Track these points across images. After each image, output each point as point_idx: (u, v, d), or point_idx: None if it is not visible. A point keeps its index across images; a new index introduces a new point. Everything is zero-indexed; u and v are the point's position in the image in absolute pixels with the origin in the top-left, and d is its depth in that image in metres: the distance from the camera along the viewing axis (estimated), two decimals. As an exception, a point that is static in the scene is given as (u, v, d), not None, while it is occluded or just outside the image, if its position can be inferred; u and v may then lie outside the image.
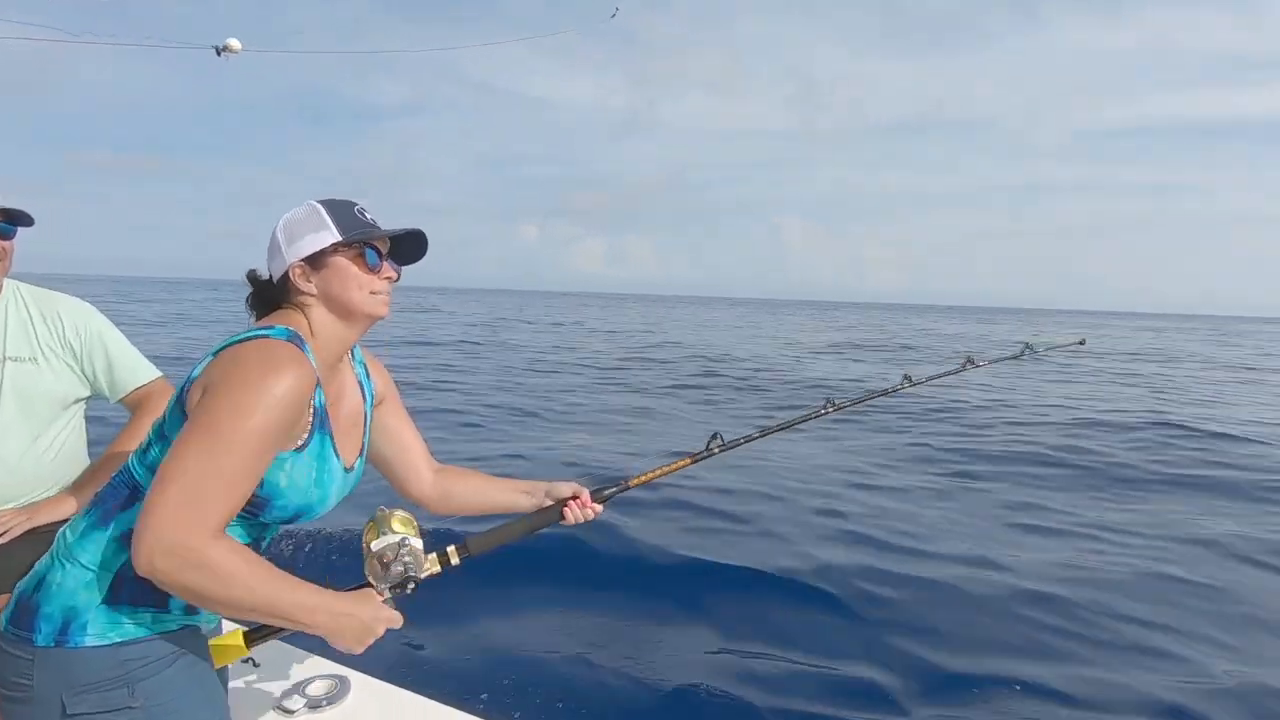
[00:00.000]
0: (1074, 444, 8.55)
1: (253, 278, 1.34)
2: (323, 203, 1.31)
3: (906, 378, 2.57)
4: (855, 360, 21.10)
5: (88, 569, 1.17)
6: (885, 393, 2.49)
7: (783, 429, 2.04)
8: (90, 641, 1.14)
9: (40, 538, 1.64)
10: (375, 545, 1.33)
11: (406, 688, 1.59)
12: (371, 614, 1.21)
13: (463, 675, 3.19)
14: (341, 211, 1.31)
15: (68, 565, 1.18)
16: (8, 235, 1.64)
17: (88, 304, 1.87)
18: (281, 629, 1.38)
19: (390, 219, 1.38)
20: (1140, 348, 30.53)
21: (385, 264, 1.34)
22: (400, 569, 1.31)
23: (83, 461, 1.86)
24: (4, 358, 1.68)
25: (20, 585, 1.21)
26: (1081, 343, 3.83)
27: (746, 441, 1.92)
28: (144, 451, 1.22)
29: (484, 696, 3.03)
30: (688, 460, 1.80)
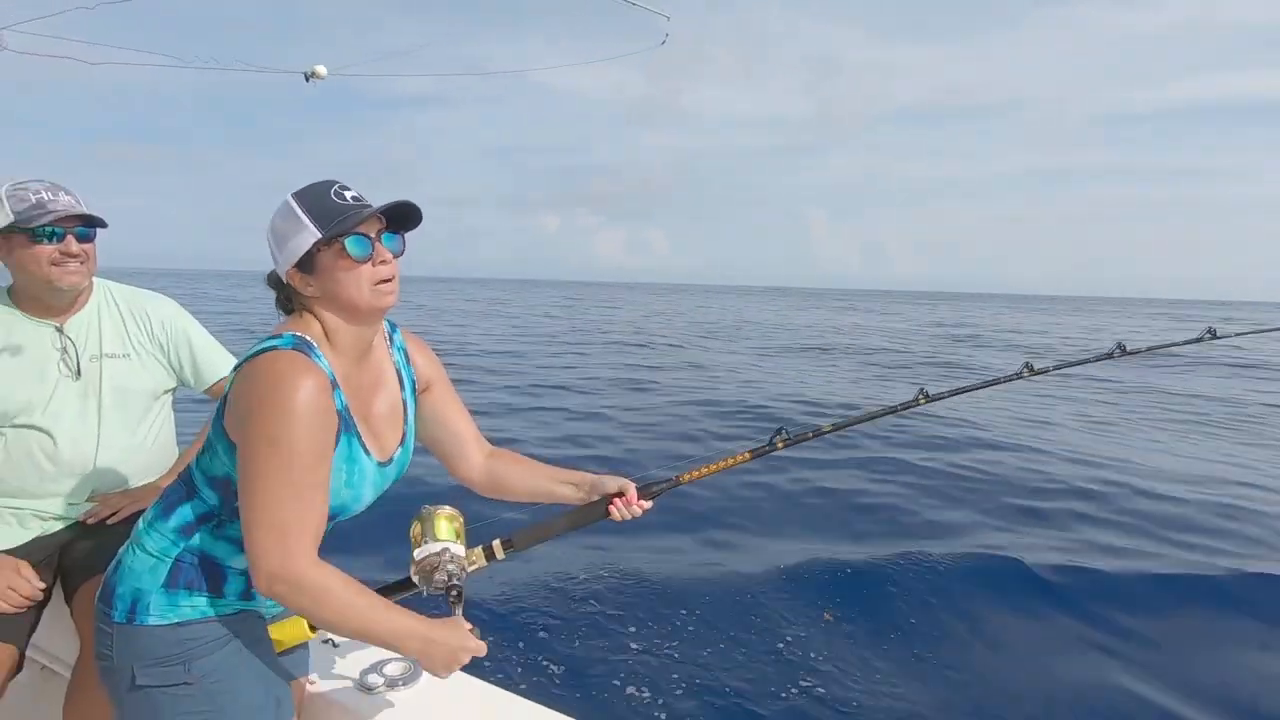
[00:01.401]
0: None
1: (271, 281, 1.33)
2: (296, 196, 1.24)
3: (1120, 346, 2.36)
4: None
5: (151, 555, 1.30)
6: (1086, 361, 2.28)
7: (858, 423, 1.91)
8: (153, 621, 1.27)
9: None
10: (418, 554, 1.37)
11: (471, 674, 1.64)
12: (459, 643, 1.25)
13: (522, 665, 3.31)
14: (317, 201, 1.23)
15: (137, 551, 1.32)
16: (88, 238, 1.77)
17: (173, 300, 2.02)
18: None
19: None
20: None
21: (378, 246, 1.26)
22: (443, 577, 1.35)
23: (173, 448, 2.02)
24: (101, 355, 1.84)
25: (108, 568, 1.37)
26: None
27: (815, 435, 1.82)
28: (199, 455, 1.33)
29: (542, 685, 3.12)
30: (747, 455, 1.73)
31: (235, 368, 1.26)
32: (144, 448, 1.92)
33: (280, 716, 1.35)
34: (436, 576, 1.36)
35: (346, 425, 1.29)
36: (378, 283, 1.26)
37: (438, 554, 1.37)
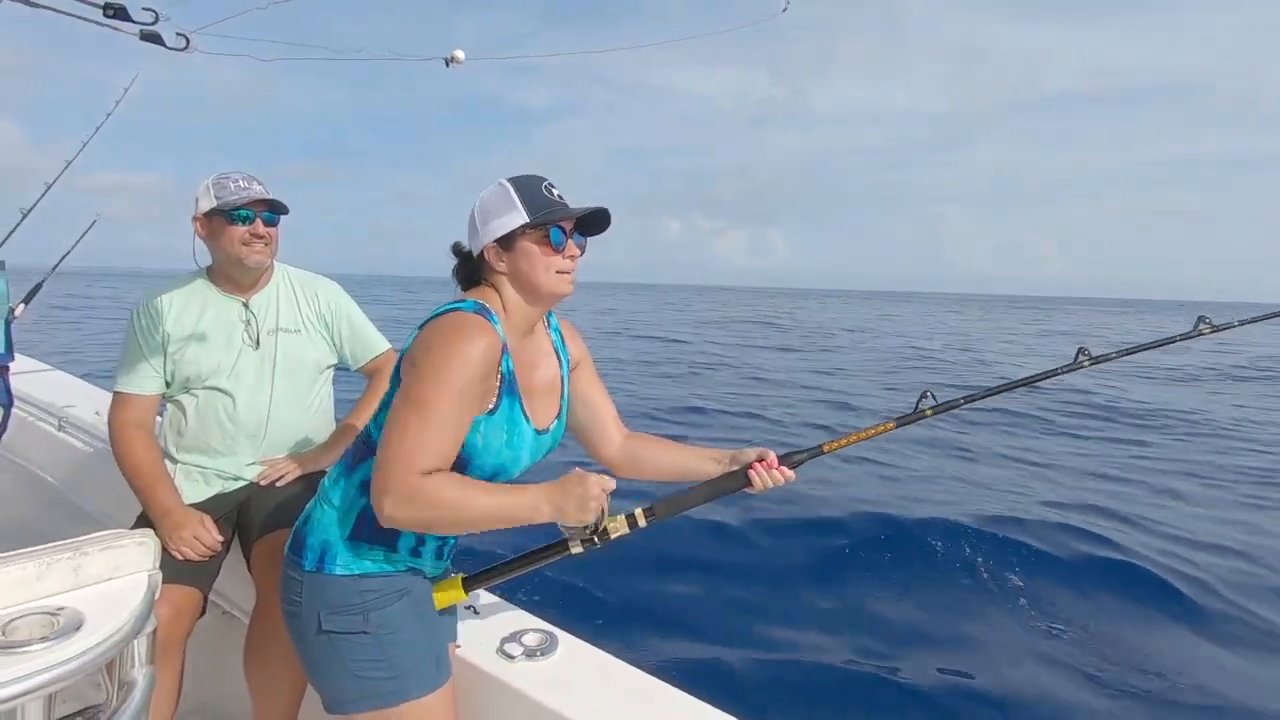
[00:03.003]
0: None
1: (457, 250, 1.46)
2: (512, 181, 1.38)
3: (1205, 318, 2.06)
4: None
5: (337, 509, 1.40)
6: (1172, 339, 2.02)
7: (1015, 387, 1.77)
8: (339, 571, 1.36)
9: (308, 483, 2.00)
10: None
11: (608, 651, 1.63)
12: (582, 486, 1.31)
13: (658, 647, 3.29)
14: (530, 190, 1.37)
15: (324, 506, 1.42)
16: (273, 223, 1.97)
17: (336, 284, 2.19)
18: (497, 578, 1.53)
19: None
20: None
21: (569, 241, 1.39)
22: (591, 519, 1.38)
23: (332, 419, 2.18)
24: (277, 329, 2.02)
25: (297, 521, 1.47)
26: None
27: (967, 402, 1.70)
28: (377, 415, 1.42)
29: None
30: (891, 424, 1.64)
31: (419, 326, 1.34)
32: (308, 415, 2.09)
33: (440, 674, 1.41)
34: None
35: (510, 389, 1.36)
36: (560, 272, 1.39)
37: None
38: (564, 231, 1.38)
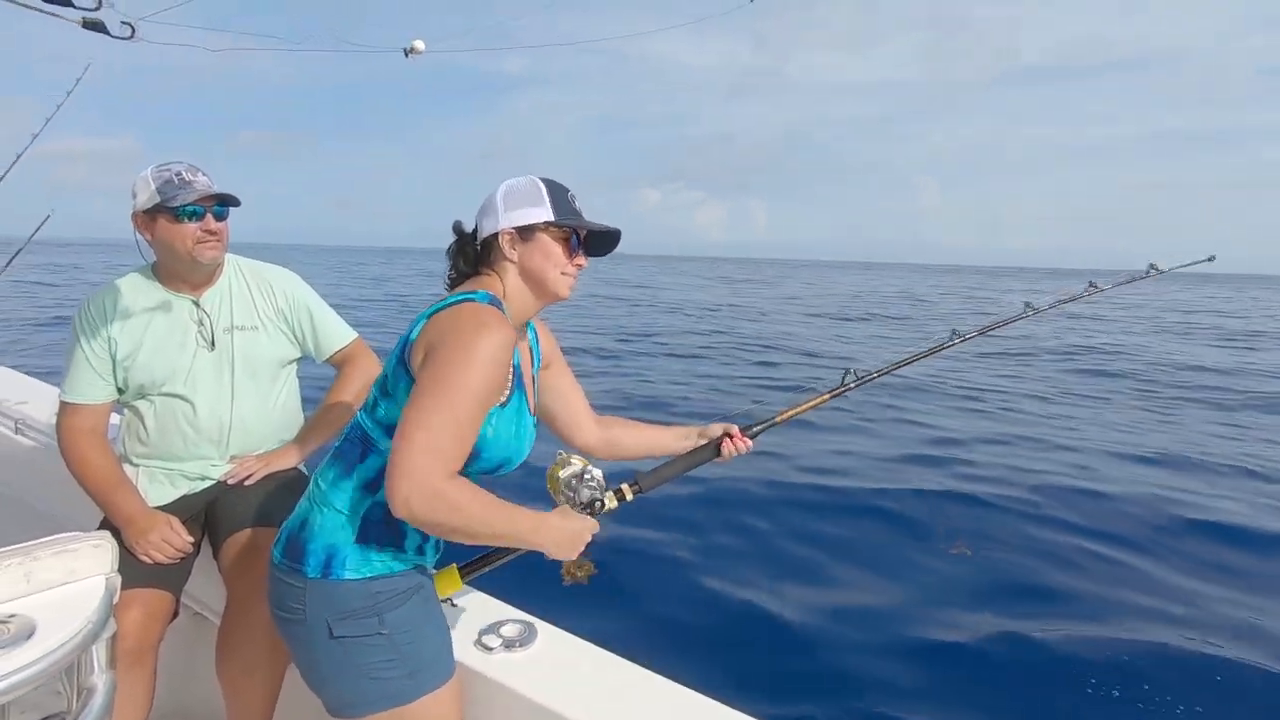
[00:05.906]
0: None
1: (458, 229, 1.46)
2: (544, 181, 1.42)
3: (1028, 305, 2.53)
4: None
5: (340, 513, 1.35)
6: (1010, 321, 2.45)
7: (915, 360, 2.08)
8: (349, 575, 1.32)
9: (277, 479, 1.91)
10: (563, 474, 1.52)
11: (586, 638, 1.65)
12: (579, 524, 1.40)
13: (636, 633, 3.31)
14: (558, 194, 1.41)
15: (325, 510, 1.36)
16: (222, 217, 1.86)
17: (294, 274, 2.09)
18: (489, 565, 1.56)
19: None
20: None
21: (580, 252, 1.45)
22: (588, 492, 1.50)
23: (299, 414, 2.09)
24: (233, 327, 1.91)
25: (288, 524, 1.41)
26: (1211, 259, 3.65)
27: (879, 375, 1.97)
28: (371, 408, 1.38)
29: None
30: (825, 396, 1.88)
31: (427, 314, 1.33)
32: (273, 413, 1.99)
33: (451, 664, 1.42)
34: (583, 492, 1.50)
35: (519, 382, 1.39)
36: (565, 274, 1.43)
37: (580, 472, 1.52)
38: (580, 240, 1.44)
